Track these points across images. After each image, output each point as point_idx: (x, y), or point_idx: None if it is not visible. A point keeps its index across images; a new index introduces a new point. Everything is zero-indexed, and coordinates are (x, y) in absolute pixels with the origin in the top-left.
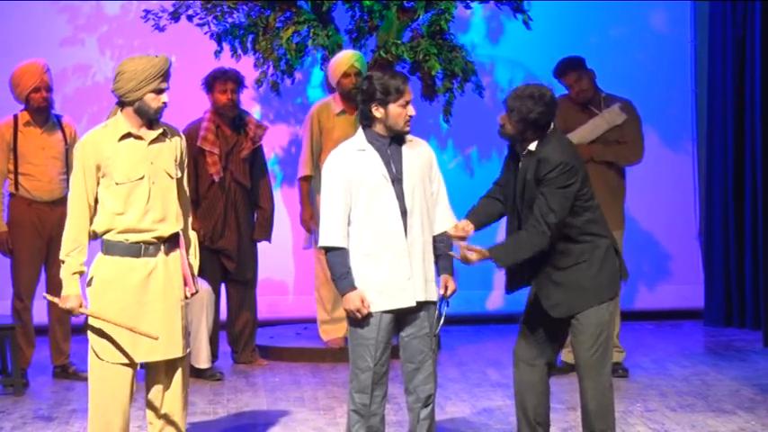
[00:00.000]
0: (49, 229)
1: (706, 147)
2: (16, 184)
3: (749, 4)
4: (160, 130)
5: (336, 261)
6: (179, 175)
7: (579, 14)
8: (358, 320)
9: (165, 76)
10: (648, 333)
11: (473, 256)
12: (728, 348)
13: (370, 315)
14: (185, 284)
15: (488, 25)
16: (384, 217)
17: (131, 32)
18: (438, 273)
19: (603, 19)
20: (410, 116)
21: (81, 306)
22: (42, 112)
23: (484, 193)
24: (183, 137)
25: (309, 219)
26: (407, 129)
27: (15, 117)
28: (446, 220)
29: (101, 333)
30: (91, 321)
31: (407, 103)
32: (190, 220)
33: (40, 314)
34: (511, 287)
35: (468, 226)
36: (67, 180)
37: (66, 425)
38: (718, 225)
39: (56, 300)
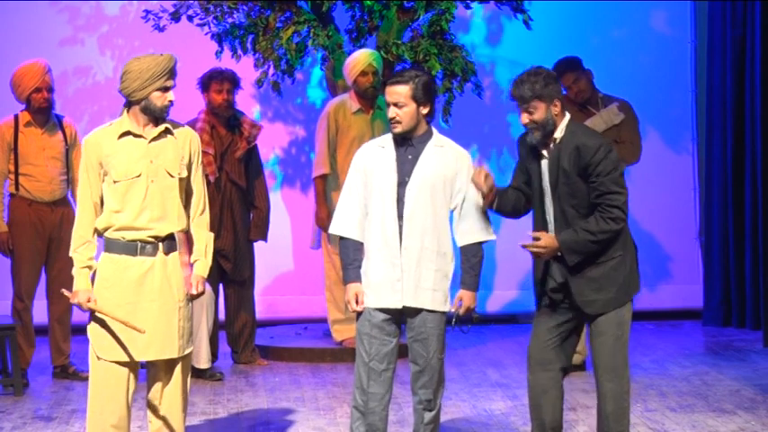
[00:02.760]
0: (49, 230)
1: (706, 147)
2: (17, 184)
3: (749, 4)
4: (161, 129)
5: (343, 251)
6: (183, 174)
7: (579, 15)
8: (357, 314)
9: (171, 74)
10: (648, 333)
11: (541, 247)
12: (728, 348)
13: (362, 309)
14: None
15: (488, 25)
16: (383, 217)
17: (131, 33)
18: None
19: (604, 19)
20: (390, 119)
21: (89, 301)
22: (43, 112)
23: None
24: (197, 136)
25: (326, 218)
26: (393, 130)
27: (16, 117)
28: (472, 234)
29: (99, 331)
30: (92, 319)
31: (388, 104)
32: (207, 219)
33: (40, 314)
34: (542, 295)
35: (489, 178)
36: (68, 181)
37: (66, 425)
38: (717, 225)
39: (69, 294)
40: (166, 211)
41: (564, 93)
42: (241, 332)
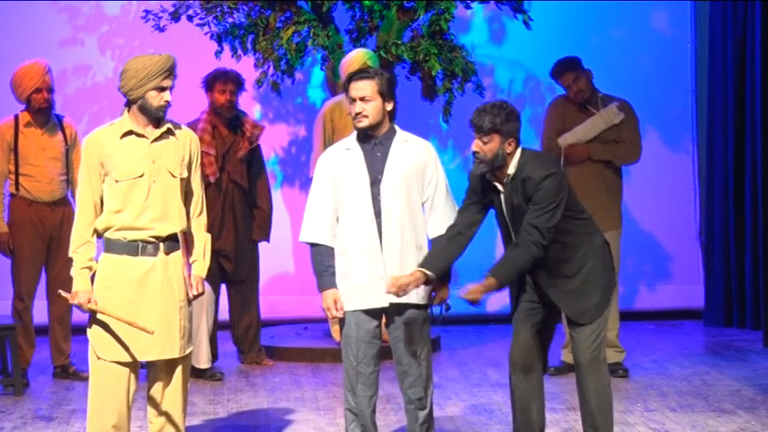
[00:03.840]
0: (49, 230)
1: (706, 147)
2: (17, 184)
3: (749, 4)
4: (164, 129)
5: (316, 258)
6: (184, 174)
7: (579, 15)
8: (340, 319)
9: (167, 74)
10: (648, 333)
11: (477, 296)
12: (729, 348)
13: (343, 315)
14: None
15: (489, 26)
16: (359, 217)
17: (131, 33)
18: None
19: (604, 19)
20: (356, 113)
21: (90, 302)
22: (43, 112)
23: (449, 227)
24: (197, 137)
25: None
26: (358, 125)
27: (16, 117)
28: (443, 226)
29: (99, 331)
30: (92, 319)
31: (353, 100)
32: (204, 220)
33: (40, 314)
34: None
35: (408, 281)
36: (68, 181)
37: (66, 425)
38: (718, 225)
39: (67, 295)
40: (168, 212)
41: (564, 93)
42: (246, 332)
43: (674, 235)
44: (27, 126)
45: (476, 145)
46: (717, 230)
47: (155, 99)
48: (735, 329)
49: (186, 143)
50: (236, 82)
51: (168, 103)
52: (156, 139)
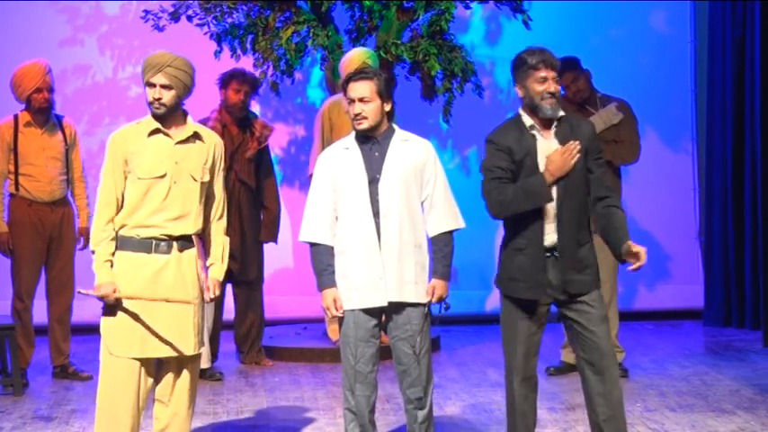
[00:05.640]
0: (49, 230)
1: (706, 147)
2: (17, 184)
3: (749, 4)
4: (190, 132)
5: (316, 257)
6: (206, 179)
7: (579, 14)
8: (339, 318)
9: (154, 70)
10: (648, 333)
11: (645, 258)
12: (728, 348)
13: (343, 314)
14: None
15: (488, 25)
16: (357, 217)
17: (131, 33)
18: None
19: (604, 19)
20: (355, 115)
21: (115, 291)
22: (43, 112)
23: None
24: (222, 142)
25: None
26: (358, 126)
27: (16, 117)
28: (442, 224)
29: (112, 327)
30: (105, 314)
31: (352, 100)
32: (224, 224)
33: (40, 314)
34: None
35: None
36: (68, 181)
37: (65, 425)
38: (717, 225)
39: (90, 292)
40: (186, 214)
41: (563, 93)
42: (248, 333)
43: (674, 235)
44: (27, 126)
45: (551, 86)
46: (716, 230)
47: (148, 95)
48: (734, 329)
49: (211, 147)
50: (253, 84)
51: (156, 101)
52: (182, 142)
